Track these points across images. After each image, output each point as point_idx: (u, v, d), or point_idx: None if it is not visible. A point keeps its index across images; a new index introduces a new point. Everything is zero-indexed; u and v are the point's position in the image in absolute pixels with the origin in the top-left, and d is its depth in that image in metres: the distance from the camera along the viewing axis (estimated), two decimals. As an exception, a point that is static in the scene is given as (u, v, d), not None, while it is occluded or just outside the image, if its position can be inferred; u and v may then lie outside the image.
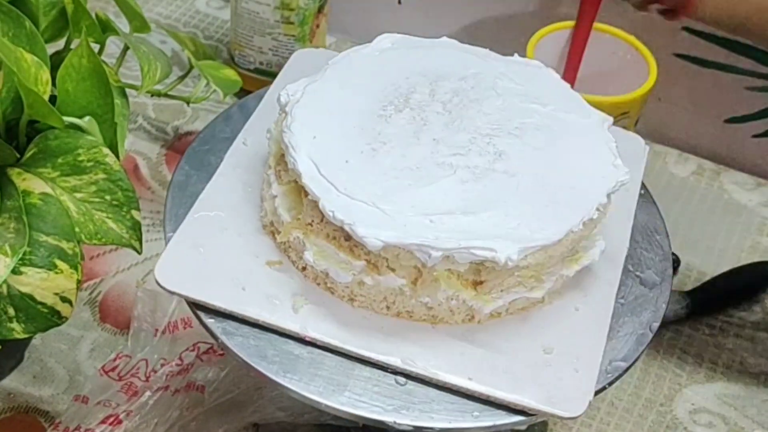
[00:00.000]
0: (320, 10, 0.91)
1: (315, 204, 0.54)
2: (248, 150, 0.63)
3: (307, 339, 0.54)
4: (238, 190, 0.61)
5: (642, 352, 0.56)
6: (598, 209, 0.55)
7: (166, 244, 0.58)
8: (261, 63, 0.93)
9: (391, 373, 0.53)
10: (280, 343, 0.54)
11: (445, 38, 0.65)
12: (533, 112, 0.59)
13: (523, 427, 0.57)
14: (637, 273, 0.60)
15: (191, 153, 0.64)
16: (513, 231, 0.53)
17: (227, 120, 0.66)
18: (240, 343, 0.54)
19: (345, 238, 0.53)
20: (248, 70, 0.94)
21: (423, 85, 0.60)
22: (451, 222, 0.53)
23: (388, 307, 0.55)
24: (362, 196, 0.53)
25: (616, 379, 0.54)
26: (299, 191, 0.56)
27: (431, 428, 0.52)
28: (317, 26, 0.92)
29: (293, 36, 0.91)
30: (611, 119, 0.60)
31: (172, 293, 0.55)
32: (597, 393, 0.53)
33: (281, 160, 0.58)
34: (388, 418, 0.52)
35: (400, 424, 0.51)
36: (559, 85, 0.62)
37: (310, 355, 0.54)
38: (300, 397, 0.52)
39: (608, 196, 0.56)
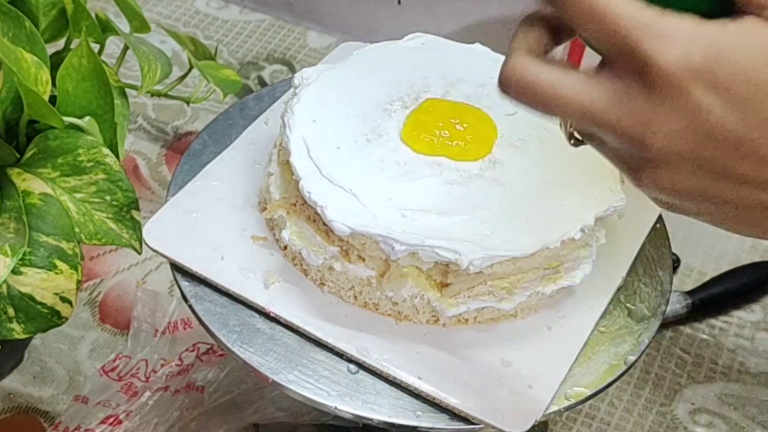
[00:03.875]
0: None
1: (297, 184, 0.54)
2: (267, 129, 0.64)
3: (271, 314, 0.55)
4: (245, 166, 0.62)
5: (610, 383, 0.54)
6: (582, 230, 0.54)
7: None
8: None
9: (345, 360, 0.54)
10: (245, 314, 0.55)
11: (477, 45, 0.64)
12: (543, 127, 0.59)
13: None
14: (628, 305, 0.58)
15: (191, 152, 0.64)
16: (484, 238, 0.52)
17: (227, 119, 0.67)
18: (206, 308, 0.55)
19: (323, 222, 0.53)
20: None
21: (438, 85, 0.60)
22: (423, 220, 0.53)
23: (355, 297, 0.55)
24: (342, 183, 0.54)
25: (575, 405, 0.53)
26: (290, 171, 0.56)
27: (370, 419, 0.52)
28: None
29: None
30: None
31: (155, 251, 0.57)
32: (567, 410, 0.53)
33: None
34: (329, 402, 0.52)
35: (340, 410, 0.52)
36: None
37: (271, 331, 0.55)
38: (249, 368, 0.53)
39: (597, 219, 0.55)
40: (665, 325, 0.81)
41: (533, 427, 0.51)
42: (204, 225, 0.59)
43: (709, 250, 0.87)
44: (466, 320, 0.55)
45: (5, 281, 0.59)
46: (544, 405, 0.52)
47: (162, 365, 0.72)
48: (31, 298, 0.60)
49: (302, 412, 0.69)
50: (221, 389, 0.70)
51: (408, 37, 0.64)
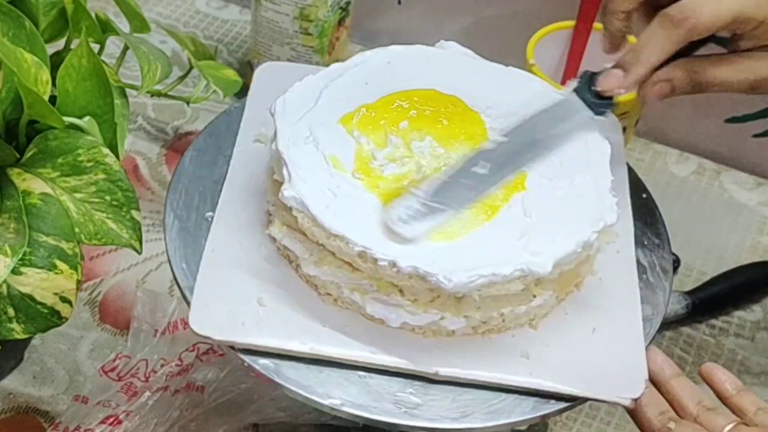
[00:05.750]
0: (340, 23, 0.91)
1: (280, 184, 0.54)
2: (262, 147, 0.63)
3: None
4: (244, 195, 0.60)
5: None
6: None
7: (168, 249, 0.57)
8: None
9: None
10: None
11: (448, 43, 0.64)
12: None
13: (524, 427, 0.57)
14: None
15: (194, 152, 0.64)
16: (465, 259, 0.51)
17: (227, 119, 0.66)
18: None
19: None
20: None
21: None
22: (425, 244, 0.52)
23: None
24: (332, 191, 0.53)
25: (575, 404, 0.53)
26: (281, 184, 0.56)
27: (370, 419, 0.52)
28: (337, 39, 0.91)
29: (312, 47, 0.90)
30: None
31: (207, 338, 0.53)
32: (567, 409, 0.53)
33: None
34: (330, 402, 0.51)
35: (340, 411, 0.51)
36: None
37: None
38: (249, 368, 0.52)
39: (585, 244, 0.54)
40: (665, 325, 0.81)
41: (533, 426, 0.51)
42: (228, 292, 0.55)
43: (709, 250, 0.87)
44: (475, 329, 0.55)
45: (5, 281, 0.59)
46: (644, 366, 0.53)
47: (162, 365, 0.72)
48: (31, 298, 0.60)
49: (302, 412, 0.69)
50: (221, 389, 0.70)
51: (405, 47, 0.64)
